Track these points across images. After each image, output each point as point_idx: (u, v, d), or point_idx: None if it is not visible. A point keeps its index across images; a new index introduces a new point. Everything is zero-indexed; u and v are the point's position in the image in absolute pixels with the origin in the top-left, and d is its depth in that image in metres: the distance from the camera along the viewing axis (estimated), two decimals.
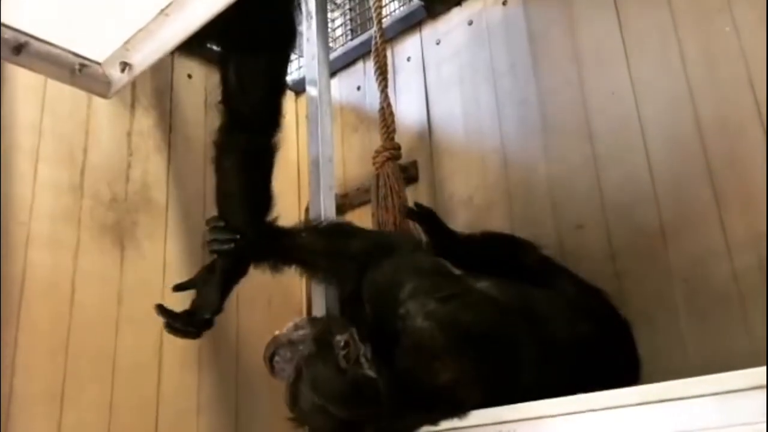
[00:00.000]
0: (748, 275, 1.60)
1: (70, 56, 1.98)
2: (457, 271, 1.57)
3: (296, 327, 1.48)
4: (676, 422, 1.12)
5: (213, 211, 2.30)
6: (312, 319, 1.55)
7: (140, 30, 1.86)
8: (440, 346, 1.33)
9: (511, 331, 1.41)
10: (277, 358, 1.45)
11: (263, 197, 1.76)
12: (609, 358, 1.58)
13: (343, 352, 1.35)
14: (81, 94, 2.08)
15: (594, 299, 1.69)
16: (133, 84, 2.19)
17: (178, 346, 2.09)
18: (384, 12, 2.45)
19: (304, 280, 2.41)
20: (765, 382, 1.02)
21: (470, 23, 2.36)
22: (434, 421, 1.34)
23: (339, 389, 1.34)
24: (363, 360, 1.35)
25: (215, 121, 2.41)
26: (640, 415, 1.16)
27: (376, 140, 2.27)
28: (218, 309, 1.69)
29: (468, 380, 1.33)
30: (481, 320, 1.38)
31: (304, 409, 1.36)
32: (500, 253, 1.78)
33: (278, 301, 2.38)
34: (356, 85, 2.66)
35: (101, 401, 1.89)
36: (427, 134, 2.37)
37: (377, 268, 1.49)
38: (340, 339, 1.37)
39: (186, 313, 1.69)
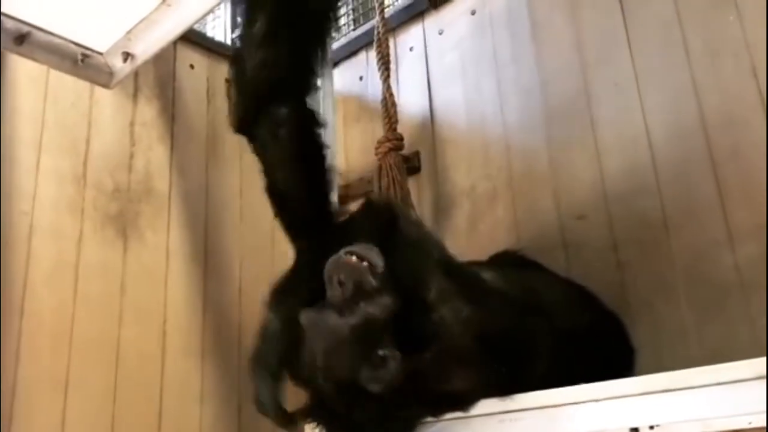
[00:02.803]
0: (751, 266, 1.60)
1: (72, 46, 1.98)
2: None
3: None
4: (677, 412, 1.13)
5: (215, 201, 2.33)
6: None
7: (142, 20, 1.86)
8: (475, 360, 1.31)
9: (530, 332, 1.40)
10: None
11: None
12: (607, 348, 1.60)
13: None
14: (83, 85, 2.08)
15: (581, 293, 1.71)
16: (136, 74, 2.19)
17: (181, 334, 2.10)
18: (386, 2, 2.45)
19: None
20: (765, 373, 1.02)
21: (473, 13, 2.35)
22: (439, 414, 1.35)
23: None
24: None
25: (217, 111, 2.43)
26: (641, 405, 1.16)
27: (379, 131, 2.27)
28: None
29: (490, 387, 1.32)
30: (509, 329, 1.35)
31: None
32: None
33: None
34: (358, 75, 2.66)
35: (105, 390, 1.90)
36: (430, 124, 2.37)
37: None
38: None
39: None
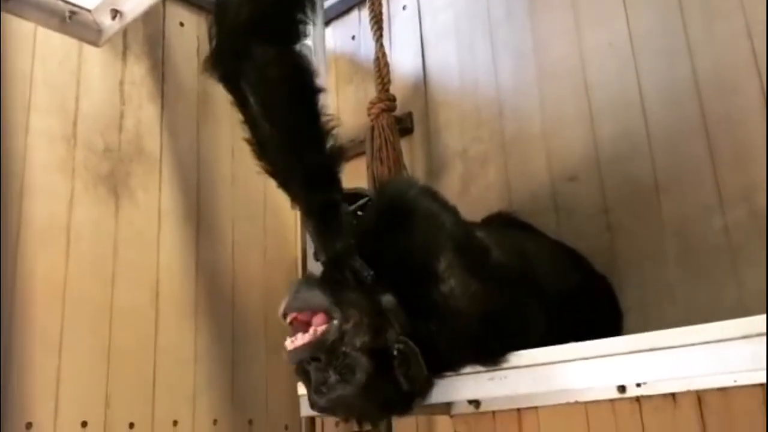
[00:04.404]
0: (739, 229, 1.62)
1: (60, 3, 1.95)
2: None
3: (311, 304, 1.29)
4: (664, 370, 1.15)
5: (207, 162, 2.32)
6: (318, 285, 1.33)
7: None
8: (482, 332, 1.32)
9: (528, 297, 1.42)
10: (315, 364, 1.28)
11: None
12: (596, 312, 1.62)
13: (401, 368, 1.26)
14: (72, 42, 2.05)
15: (572, 256, 1.73)
16: (125, 32, 2.16)
17: (174, 295, 2.11)
18: None
19: (298, 231, 2.43)
20: (749, 332, 1.04)
21: None
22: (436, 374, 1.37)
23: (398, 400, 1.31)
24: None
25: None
26: (629, 363, 1.18)
27: (371, 91, 2.25)
28: None
29: (495, 353, 1.34)
30: (511, 298, 1.36)
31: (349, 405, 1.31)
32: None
33: (273, 252, 2.40)
34: (351, 35, 2.63)
35: (99, 350, 1.91)
36: (423, 85, 2.36)
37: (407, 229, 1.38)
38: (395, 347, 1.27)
39: None
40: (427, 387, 1.33)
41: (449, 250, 1.33)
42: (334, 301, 1.28)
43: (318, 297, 1.29)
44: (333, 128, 1.39)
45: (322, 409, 1.30)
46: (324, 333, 1.25)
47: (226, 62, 1.34)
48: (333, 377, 1.25)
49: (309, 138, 1.36)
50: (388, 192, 1.52)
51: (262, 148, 1.37)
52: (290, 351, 1.27)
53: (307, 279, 1.33)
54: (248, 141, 1.39)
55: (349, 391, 1.24)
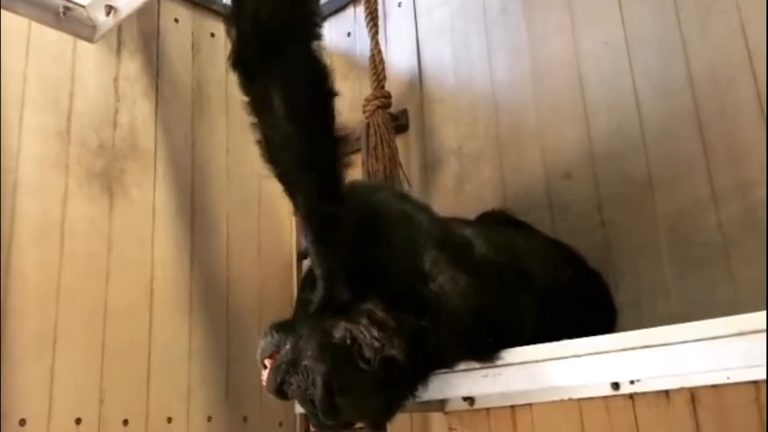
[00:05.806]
0: (733, 224, 1.63)
1: None
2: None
3: (276, 345, 1.35)
4: (657, 367, 1.15)
5: (202, 158, 2.31)
6: (281, 327, 1.38)
7: None
8: (475, 327, 1.32)
9: (519, 293, 1.42)
10: (289, 383, 1.31)
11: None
12: (590, 309, 1.62)
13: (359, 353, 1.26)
14: (66, 39, 2.04)
15: (566, 253, 1.74)
16: (119, 28, 2.15)
17: (169, 292, 2.11)
18: None
19: (293, 228, 2.43)
20: (743, 329, 1.04)
21: None
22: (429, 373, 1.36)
23: (371, 385, 1.27)
24: (384, 339, 1.25)
25: (202, 66, 2.40)
26: (622, 360, 1.19)
27: (366, 88, 2.25)
28: None
29: (489, 349, 1.34)
30: (502, 293, 1.38)
31: (345, 410, 1.29)
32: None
33: (268, 249, 2.39)
34: (346, 32, 2.62)
35: (93, 346, 1.91)
36: (418, 82, 2.35)
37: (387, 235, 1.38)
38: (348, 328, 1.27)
39: None
40: (394, 361, 1.27)
41: (432, 248, 1.34)
42: (287, 334, 1.34)
43: (275, 338, 1.35)
44: (342, 137, 1.35)
45: (328, 426, 1.31)
46: (276, 359, 1.32)
47: (252, 57, 1.27)
48: (309, 389, 1.27)
49: (327, 144, 1.31)
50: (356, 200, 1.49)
51: (277, 150, 1.31)
52: (265, 386, 1.34)
53: (272, 325, 1.38)
54: (260, 142, 1.32)
55: (320, 392, 1.24)
